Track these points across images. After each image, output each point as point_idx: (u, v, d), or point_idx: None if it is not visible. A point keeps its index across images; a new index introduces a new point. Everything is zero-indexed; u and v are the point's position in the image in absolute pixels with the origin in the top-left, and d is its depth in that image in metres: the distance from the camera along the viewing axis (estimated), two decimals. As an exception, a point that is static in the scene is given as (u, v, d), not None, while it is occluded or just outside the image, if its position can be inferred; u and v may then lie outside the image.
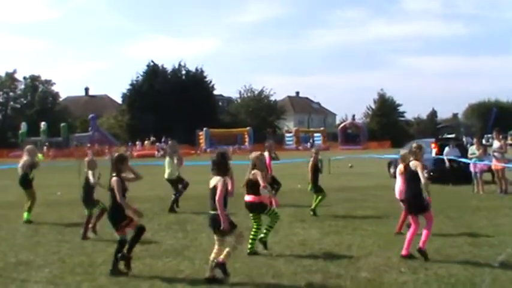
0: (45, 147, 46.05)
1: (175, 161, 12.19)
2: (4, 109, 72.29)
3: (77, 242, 8.62)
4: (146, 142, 54.85)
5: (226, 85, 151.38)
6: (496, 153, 14.61)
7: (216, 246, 6.32)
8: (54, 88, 73.86)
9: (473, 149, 15.48)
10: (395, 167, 19.58)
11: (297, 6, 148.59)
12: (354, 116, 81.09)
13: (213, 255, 6.26)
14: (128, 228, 6.67)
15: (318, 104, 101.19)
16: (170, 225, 10.11)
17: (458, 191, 14.99)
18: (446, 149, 17.39)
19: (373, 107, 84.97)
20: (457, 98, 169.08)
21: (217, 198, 6.11)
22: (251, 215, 7.66)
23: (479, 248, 7.67)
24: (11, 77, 70.96)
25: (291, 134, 68.48)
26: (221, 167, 6.34)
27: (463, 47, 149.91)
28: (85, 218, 9.02)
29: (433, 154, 17.97)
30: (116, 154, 7.30)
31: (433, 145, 18.55)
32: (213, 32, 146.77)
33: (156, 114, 63.23)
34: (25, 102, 71.34)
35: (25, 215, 10.67)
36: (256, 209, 7.55)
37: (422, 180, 7.03)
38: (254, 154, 7.82)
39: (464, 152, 16.70)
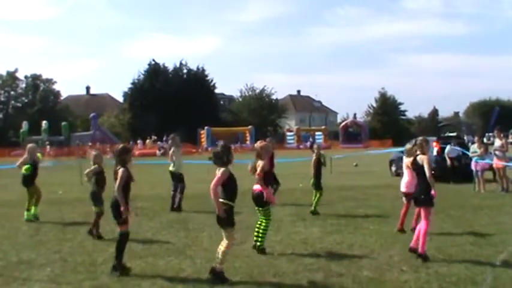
0: (48, 147, 46.04)
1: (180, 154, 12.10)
2: (5, 108, 72.31)
3: (79, 240, 8.63)
4: (148, 141, 54.87)
5: (228, 84, 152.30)
6: (497, 152, 14.60)
7: (224, 240, 6.21)
8: (56, 87, 74.00)
9: (474, 148, 15.48)
10: (397, 165, 19.81)
11: (298, 4, 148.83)
12: (355, 114, 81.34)
13: (220, 247, 6.18)
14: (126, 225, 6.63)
15: (319, 102, 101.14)
16: (172, 224, 10.11)
17: (460, 189, 14.99)
18: (448, 147, 17.40)
19: (375, 105, 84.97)
20: (458, 97, 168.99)
21: (212, 184, 6.02)
22: (256, 208, 7.63)
23: (480, 246, 7.67)
24: (12, 76, 70.98)
25: (292, 133, 68.49)
26: (222, 157, 6.19)
27: (464, 45, 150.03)
28: (94, 216, 8.80)
29: (435, 153, 17.96)
30: (120, 146, 7.22)
31: (434, 144, 18.54)
32: (214, 31, 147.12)
33: (158, 113, 63.27)
34: (26, 101, 71.33)
35: (26, 214, 10.70)
36: (258, 199, 7.50)
37: (428, 174, 7.02)
38: (259, 143, 7.87)
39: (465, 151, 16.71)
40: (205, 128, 58.49)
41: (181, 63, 74.93)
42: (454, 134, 39.85)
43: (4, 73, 71.14)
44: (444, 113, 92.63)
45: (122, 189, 6.50)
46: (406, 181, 8.77)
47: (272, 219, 7.87)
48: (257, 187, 7.49)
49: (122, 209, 6.49)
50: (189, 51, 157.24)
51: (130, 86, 72.29)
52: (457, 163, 17.00)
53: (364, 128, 69.44)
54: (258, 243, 7.54)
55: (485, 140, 36.98)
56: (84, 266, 6.95)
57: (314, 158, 11.19)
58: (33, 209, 10.76)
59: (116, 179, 6.59)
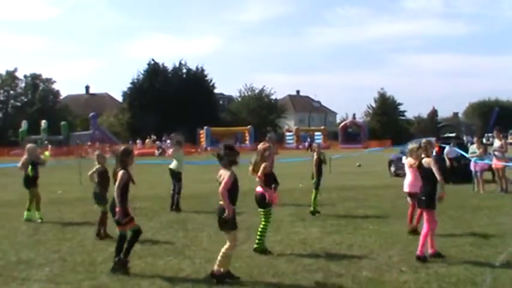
0: (49, 146, 46.01)
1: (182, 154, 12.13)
2: (5, 107, 72.30)
3: (78, 240, 8.62)
4: (147, 141, 54.85)
5: (227, 84, 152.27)
6: (496, 152, 14.61)
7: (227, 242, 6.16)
8: (55, 86, 74.03)
9: (473, 148, 15.49)
10: (396, 166, 19.80)
11: (297, 4, 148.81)
12: (354, 114, 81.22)
13: (222, 249, 6.13)
14: (127, 226, 6.63)
15: (319, 102, 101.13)
16: (171, 224, 10.11)
17: (459, 190, 14.97)
18: (447, 148, 17.40)
19: (374, 105, 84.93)
20: (458, 97, 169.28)
21: (220, 188, 5.92)
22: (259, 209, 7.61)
23: (479, 247, 7.67)
24: (11, 75, 70.98)
25: (291, 133, 68.49)
26: (227, 158, 6.06)
27: (464, 45, 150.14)
28: (100, 214, 8.70)
29: (433, 153, 17.95)
30: (122, 148, 7.17)
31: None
32: (214, 31, 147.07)
33: (157, 112, 63.29)
34: (26, 100, 71.33)
35: (25, 213, 10.69)
36: (261, 202, 7.49)
37: (439, 178, 7.00)
38: (262, 145, 7.87)
39: (464, 151, 16.69)
40: (205, 127, 58.43)
41: (180, 63, 75.07)
42: (454, 134, 39.88)
43: (4, 72, 71.24)
44: (443, 113, 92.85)
45: (120, 190, 6.49)
46: (409, 181, 8.77)
47: (271, 220, 7.86)
48: (259, 189, 7.50)
49: (117, 209, 6.46)
50: (189, 51, 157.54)
51: (129, 85, 72.42)
52: (457, 164, 16.99)
53: (364, 128, 69.40)
54: (255, 245, 7.55)
55: (484, 140, 36.98)
56: (84, 265, 6.94)
57: (315, 157, 11.21)
58: (37, 213, 10.64)
59: (115, 180, 6.59)
